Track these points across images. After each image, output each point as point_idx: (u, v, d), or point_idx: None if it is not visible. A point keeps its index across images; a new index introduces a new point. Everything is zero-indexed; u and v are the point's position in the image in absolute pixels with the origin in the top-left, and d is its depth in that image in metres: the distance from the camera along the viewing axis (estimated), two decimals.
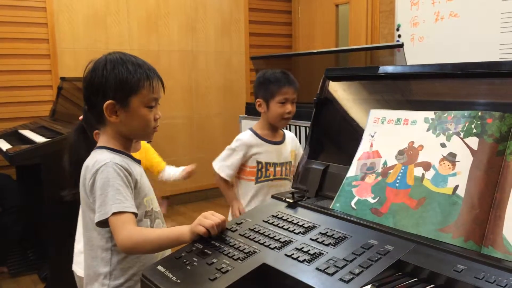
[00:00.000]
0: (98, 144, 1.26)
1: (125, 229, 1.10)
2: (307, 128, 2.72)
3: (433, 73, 1.12)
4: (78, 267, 1.78)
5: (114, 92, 1.18)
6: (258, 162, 1.96)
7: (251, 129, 2.02)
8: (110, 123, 1.22)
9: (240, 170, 2.00)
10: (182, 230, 1.11)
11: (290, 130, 3.18)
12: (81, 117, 1.69)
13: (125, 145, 1.27)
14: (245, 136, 1.99)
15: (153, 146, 2.33)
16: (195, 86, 4.61)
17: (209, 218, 1.10)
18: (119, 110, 1.19)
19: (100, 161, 1.17)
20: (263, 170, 1.96)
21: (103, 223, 1.14)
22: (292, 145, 2.04)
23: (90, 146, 1.77)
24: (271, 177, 1.97)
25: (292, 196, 1.21)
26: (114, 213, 1.11)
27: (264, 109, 1.97)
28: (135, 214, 1.16)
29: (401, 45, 2.99)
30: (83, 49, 3.94)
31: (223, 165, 1.99)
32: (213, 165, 2.02)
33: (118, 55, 1.22)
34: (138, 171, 1.26)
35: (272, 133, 2.00)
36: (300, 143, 2.11)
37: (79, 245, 1.82)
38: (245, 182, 1.99)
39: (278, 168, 1.98)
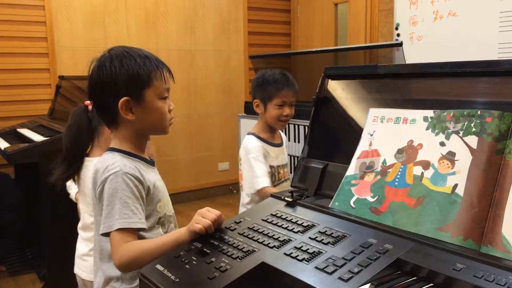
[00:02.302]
0: (110, 145, 1.21)
1: (121, 248, 1.08)
2: (306, 127, 2.72)
3: (432, 72, 1.12)
4: (82, 270, 1.78)
5: (126, 88, 1.13)
6: (271, 167, 1.94)
7: (253, 134, 1.97)
8: (124, 122, 1.17)
9: None
10: (180, 232, 1.10)
11: (289, 130, 3.19)
12: (86, 102, 1.70)
13: (140, 145, 1.22)
14: (253, 141, 1.93)
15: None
16: (194, 85, 4.61)
17: (205, 215, 1.09)
18: (134, 106, 1.14)
19: (111, 169, 1.13)
20: (276, 174, 1.95)
21: (108, 234, 1.12)
22: (286, 146, 2.09)
23: (91, 127, 1.78)
24: (283, 179, 1.98)
25: (291, 195, 1.21)
26: (118, 229, 1.09)
27: (261, 110, 1.95)
28: (142, 228, 1.13)
29: (400, 44, 2.99)
30: (82, 48, 3.94)
31: (258, 180, 1.85)
32: (249, 191, 1.88)
33: (122, 49, 1.17)
34: (151, 176, 1.22)
35: (272, 135, 2.00)
36: (299, 142, 2.12)
37: (82, 248, 1.82)
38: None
39: (286, 170, 2.00)
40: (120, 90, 1.13)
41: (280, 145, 2.01)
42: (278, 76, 1.92)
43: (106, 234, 1.12)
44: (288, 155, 2.14)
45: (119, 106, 1.13)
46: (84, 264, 1.76)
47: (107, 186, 1.12)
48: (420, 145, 1.01)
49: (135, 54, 1.16)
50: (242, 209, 2.00)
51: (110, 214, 1.10)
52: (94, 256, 1.26)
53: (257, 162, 1.88)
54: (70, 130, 1.79)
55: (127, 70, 1.13)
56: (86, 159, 1.80)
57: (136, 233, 1.13)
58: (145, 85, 1.15)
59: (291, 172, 2.12)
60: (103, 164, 1.16)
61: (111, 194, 1.11)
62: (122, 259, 1.07)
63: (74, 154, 1.78)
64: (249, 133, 2.00)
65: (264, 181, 1.84)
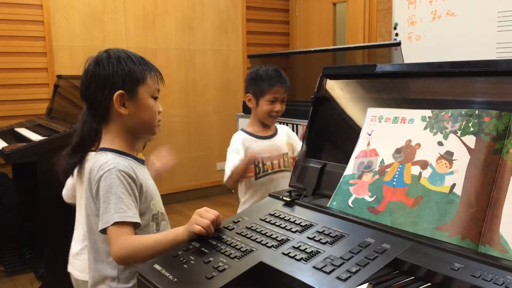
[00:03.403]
0: (101, 145, 1.23)
1: (120, 240, 1.09)
2: (304, 127, 2.72)
3: (430, 71, 1.12)
4: (75, 269, 1.77)
5: (122, 83, 1.18)
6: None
7: (242, 129, 2.04)
8: (115, 118, 1.20)
9: None
10: (178, 231, 1.11)
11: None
12: None
13: (130, 143, 1.25)
14: (238, 135, 2.01)
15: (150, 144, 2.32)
16: (192, 85, 4.60)
17: (204, 215, 1.09)
18: (127, 101, 1.19)
19: (104, 167, 1.16)
20: (261, 165, 1.97)
21: (105, 230, 1.13)
22: (287, 137, 2.06)
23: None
24: (270, 171, 1.98)
25: (289, 194, 1.21)
26: (114, 223, 1.10)
27: (253, 104, 2.00)
28: (137, 224, 1.14)
29: (398, 44, 2.99)
30: (80, 47, 3.93)
31: (226, 172, 1.92)
32: (225, 182, 1.93)
33: (118, 50, 1.22)
34: (142, 173, 1.24)
35: (262, 129, 2.02)
36: None
37: (77, 246, 1.81)
38: (246, 180, 2.00)
39: (275, 162, 1.99)
40: (115, 85, 1.18)
41: (270, 136, 2.02)
42: (272, 72, 1.96)
43: (104, 231, 1.13)
44: None
45: (114, 99, 1.17)
46: (77, 263, 1.76)
47: (102, 183, 1.15)
48: (418, 145, 1.01)
49: (131, 55, 1.22)
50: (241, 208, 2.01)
51: (107, 210, 1.12)
52: (88, 256, 1.26)
53: (231, 154, 1.95)
54: (86, 122, 1.76)
55: (124, 66, 1.19)
56: (90, 153, 1.78)
57: (133, 228, 1.14)
58: (139, 82, 1.20)
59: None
60: (97, 163, 1.19)
61: (106, 190, 1.14)
62: (120, 252, 1.09)
63: (88, 144, 1.76)
64: (240, 129, 2.06)
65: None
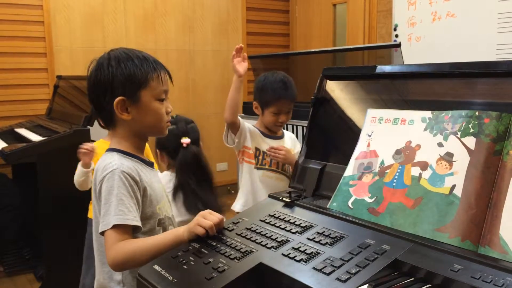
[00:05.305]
0: (109, 147, 1.22)
1: (116, 246, 1.07)
2: (304, 128, 2.72)
3: (430, 72, 1.12)
4: None
5: (123, 88, 1.14)
6: (257, 149, 2.02)
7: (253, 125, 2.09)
8: (121, 122, 1.18)
9: (243, 152, 2.04)
10: (179, 231, 1.09)
11: (287, 130, 3.19)
12: None
13: (138, 146, 1.23)
14: (248, 124, 2.05)
15: (151, 145, 2.32)
16: (193, 85, 4.60)
17: (207, 217, 1.08)
18: (130, 106, 1.15)
19: (108, 168, 1.14)
20: (260, 157, 2.02)
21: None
22: (291, 144, 2.09)
23: None
24: (267, 166, 2.02)
25: (289, 195, 1.21)
26: (113, 226, 1.08)
27: (259, 112, 2.05)
28: (137, 228, 1.12)
29: (399, 45, 2.99)
30: (80, 48, 3.93)
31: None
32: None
33: (122, 50, 1.18)
34: (149, 177, 1.21)
35: (270, 131, 2.08)
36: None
37: None
38: (247, 165, 2.04)
39: (275, 161, 2.02)
40: (116, 90, 1.14)
41: (277, 137, 2.06)
42: (278, 84, 1.96)
43: (103, 233, 1.12)
44: None
45: (114, 105, 1.14)
46: None
47: (104, 184, 1.13)
48: (418, 146, 1.01)
49: (133, 55, 1.17)
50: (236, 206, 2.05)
51: (108, 212, 1.10)
52: (95, 258, 1.25)
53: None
54: None
55: (124, 70, 1.15)
56: None
57: (131, 232, 1.13)
58: (141, 86, 1.16)
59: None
60: (102, 163, 1.17)
61: (108, 192, 1.12)
62: (117, 256, 1.06)
63: None
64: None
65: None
